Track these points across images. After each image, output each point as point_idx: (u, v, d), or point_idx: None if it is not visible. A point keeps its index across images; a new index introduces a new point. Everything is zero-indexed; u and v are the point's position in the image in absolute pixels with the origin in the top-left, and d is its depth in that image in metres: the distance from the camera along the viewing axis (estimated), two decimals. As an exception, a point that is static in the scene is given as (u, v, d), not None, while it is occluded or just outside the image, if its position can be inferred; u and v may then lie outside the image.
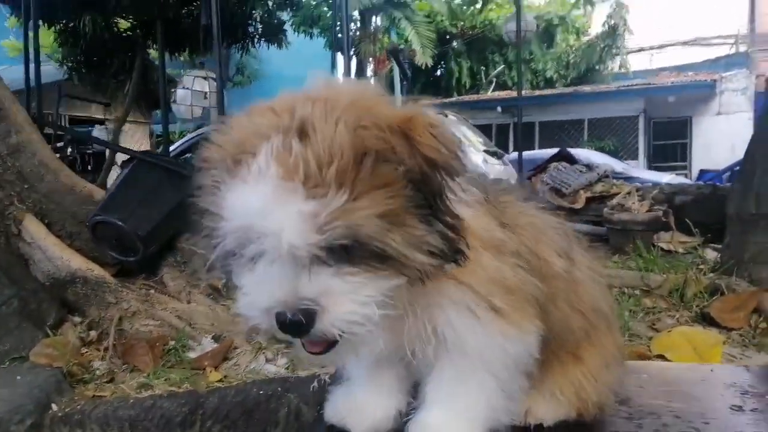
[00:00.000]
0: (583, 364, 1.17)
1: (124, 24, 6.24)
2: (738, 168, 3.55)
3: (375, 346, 0.95)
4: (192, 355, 3.06)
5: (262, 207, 0.80)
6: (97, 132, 11.33)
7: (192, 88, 3.75)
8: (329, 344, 0.89)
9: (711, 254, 3.91)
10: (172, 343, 3.11)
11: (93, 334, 3.29)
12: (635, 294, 3.19)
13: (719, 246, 3.81)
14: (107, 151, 6.64)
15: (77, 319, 3.40)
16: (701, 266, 3.53)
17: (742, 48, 18.81)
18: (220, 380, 2.81)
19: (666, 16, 21.64)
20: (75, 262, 3.52)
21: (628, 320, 2.83)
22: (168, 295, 3.57)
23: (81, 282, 3.45)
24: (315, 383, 2.46)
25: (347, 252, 0.83)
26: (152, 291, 3.58)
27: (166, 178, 3.68)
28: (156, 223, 3.56)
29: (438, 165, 0.88)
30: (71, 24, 6.11)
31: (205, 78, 3.79)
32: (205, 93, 3.70)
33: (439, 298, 0.98)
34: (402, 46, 16.31)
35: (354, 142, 0.82)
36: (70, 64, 6.72)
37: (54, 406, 2.51)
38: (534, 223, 1.14)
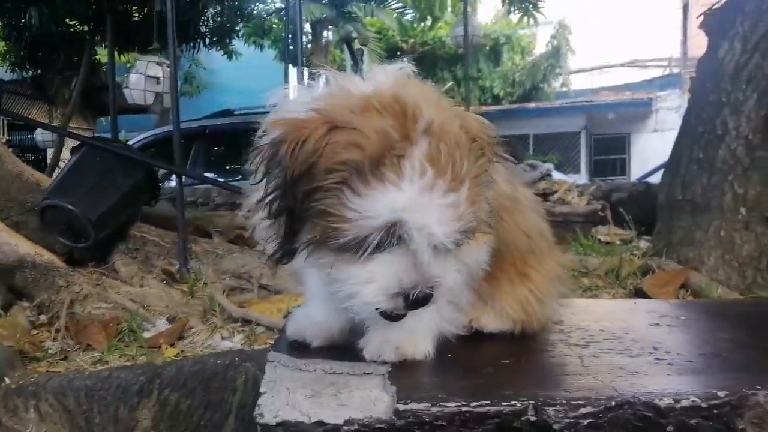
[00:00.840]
0: (530, 281, 1.31)
1: (71, 18, 6.15)
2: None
3: None
4: (146, 335, 3.06)
5: (416, 203, 0.92)
6: (40, 135, 10.96)
7: (145, 74, 3.75)
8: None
9: (644, 244, 4.18)
10: (126, 323, 3.09)
11: (43, 317, 3.24)
12: (575, 275, 3.40)
13: (650, 238, 4.09)
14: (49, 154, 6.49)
15: (26, 303, 3.34)
16: (635, 252, 3.78)
17: (675, 70, 19.97)
18: (177, 355, 2.82)
19: (606, 39, 22.76)
20: (23, 247, 3.45)
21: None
22: (120, 280, 3.54)
23: (29, 267, 3.39)
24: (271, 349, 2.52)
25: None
26: (104, 276, 3.54)
27: (117, 164, 3.67)
28: (107, 209, 3.54)
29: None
30: (15, 18, 5.98)
31: (158, 64, 3.80)
32: (159, 78, 3.71)
33: None
34: (355, 35, 16.43)
35: (467, 141, 1.00)
36: (13, 60, 6.56)
37: (7, 380, 2.47)
38: None
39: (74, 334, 3.06)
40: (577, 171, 17.19)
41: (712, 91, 3.32)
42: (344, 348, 1.21)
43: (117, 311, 3.30)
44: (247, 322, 3.06)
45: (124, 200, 3.63)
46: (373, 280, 0.97)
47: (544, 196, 5.13)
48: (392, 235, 0.94)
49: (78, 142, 3.84)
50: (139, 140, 7.77)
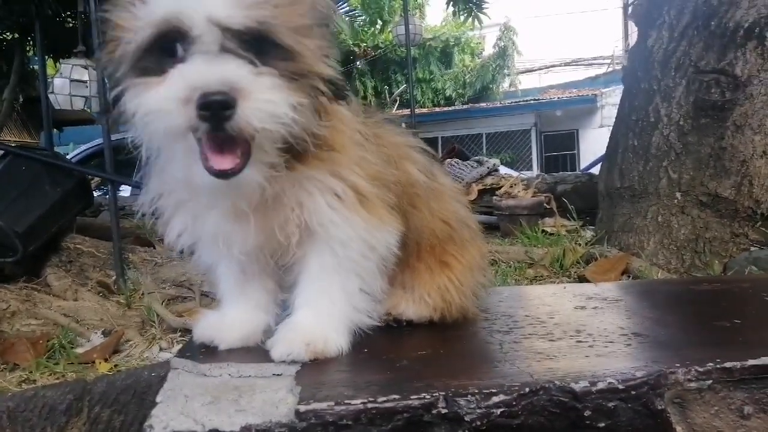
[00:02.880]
0: (449, 269, 1.28)
1: (-1, 24, 5.85)
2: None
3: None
4: (80, 350, 2.91)
5: None
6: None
7: (70, 78, 3.57)
8: (240, 162, 0.93)
9: (589, 234, 4.23)
10: (58, 339, 2.93)
11: (-35, 337, 3.04)
12: (520, 266, 3.41)
13: (594, 227, 4.15)
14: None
15: (-53, 322, 3.13)
16: (579, 242, 3.82)
17: (618, 66, 20.55)
18: (110, 370, 2.68)
19: (550, 39, 23.26)
20: (-56, 263, 3.25)
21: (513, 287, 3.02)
22: (53, 294, 3.36)
23: (-50, 284, 3.20)
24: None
25: (263, 53, 0.91)
26: (35, 292, 3.35)
27: (45, 174, 3.47)
28: (35, 220, 3.35)
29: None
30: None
31: (84, 67, 3.62)
32: (86, 82, 3.54)
33: (308, 184, 1.05)
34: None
35: None
36: (-63, 69, 6.20)
37: None
38: (397, 142, 1.26)
39: (0, 353, 2.88)
40: (529, 168, 17.48)
41: (643, 79, 3.38)
42: (260, 349, 1.14)
43: (48, 327, 3.12)
44: (187, 331, 2.94)
45: (54, 211, 3.45)
46: (162, 90, 0.90)
47: (492, 190, 5.16)
48: (176, 34, 0.89)
49: (3, 152, 3.63)
50: (83, 150, 7.48)
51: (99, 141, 7.89)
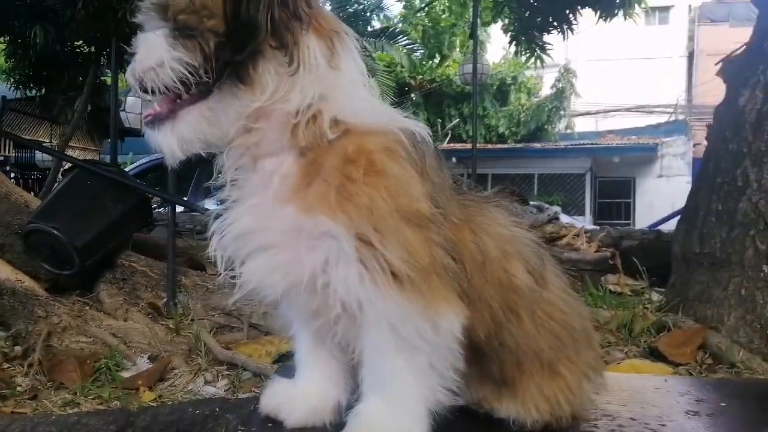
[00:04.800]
0: (561, 378, 1.13)
1: (77, 39, 6.08)
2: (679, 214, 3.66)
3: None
4: (125, 374, 2.86)
5: None
6: (39, 154, 10.86)
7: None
8: (158, 110, 1.02)
9: (656, 296, 3.99)
10: (105, 361, 2.89)
11: (18, 349, 3.04)
12: (590, 312, 3.20)
13: (662, 289, 3.90)
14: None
15: (1, 333, 3.14)
16: (648, 305, 3.58)
17: (681, 116, 20.03)
18: (154, 400, 2.61)
19: (611, 84, 22.91)
20: (3, 272, 3.28)
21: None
22: (104, 312, 3.35)
23: (8, 293, 3.21)
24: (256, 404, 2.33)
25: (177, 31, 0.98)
26: (87, 307, 3.35)
27: (109, 190, 3.51)
28: (94, 236, 3.37)
29: None
30: (21, 36, 5.91)
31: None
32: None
33: (319, 236, 0.95)
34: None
35: None
36: (17, 77, 6.48)
37: (-36, 421, 2.26)
38: (503, 234, 1.13)
39: (48, 370, 2.85)
40: (581, 213, 17.04)
41: (731, 140, 3.18)
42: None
43: (96, 346, 3.10)
44: (233, 365, 2.86)
45: (113, 227, 3.46)
46: None
47: (551, 240, 4.96)
48: None
49: (71, 164, 3.69)
50: (140, 165, 7.65)
51: (155, 156, 8.09)
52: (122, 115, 3.60)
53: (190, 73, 0.97)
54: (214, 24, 0.96)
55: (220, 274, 1.05)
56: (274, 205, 0.99)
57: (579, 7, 6.12)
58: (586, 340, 1.18)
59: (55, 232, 3.20)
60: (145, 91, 1.02)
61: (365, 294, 0.93)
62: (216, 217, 1.06)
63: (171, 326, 3.21)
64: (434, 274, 0.96)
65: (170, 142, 1.02)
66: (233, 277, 1.05)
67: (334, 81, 1.01)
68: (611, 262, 4.31)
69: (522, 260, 1.11)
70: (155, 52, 0.99)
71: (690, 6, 24.16)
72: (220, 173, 1.07)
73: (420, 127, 1.05)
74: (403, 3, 19.54)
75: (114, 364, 2.88)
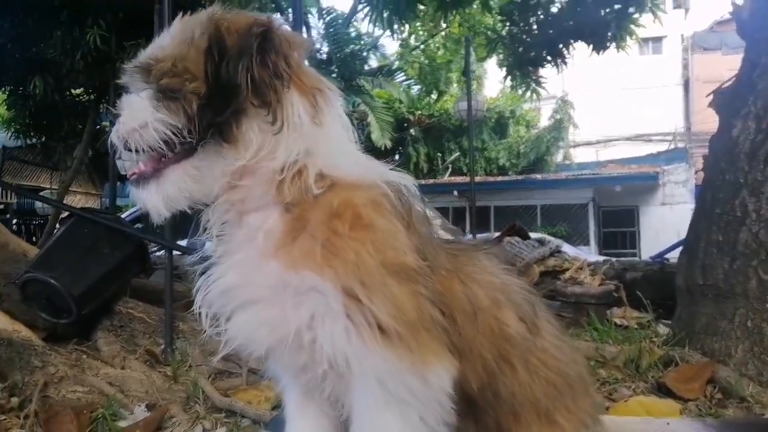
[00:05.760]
0: (559, 428, 1.11)
1: (76, 87, 6.18)
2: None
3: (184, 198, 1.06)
4: (123, 424, 2.80)
5: None
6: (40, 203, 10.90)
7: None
8: (143, 169, 1.06)
9: (663, 329, 3.93)
10: (102, 410, 2.84)
11: (14, 400, 2.98)
12: (591, 365, 3.14)
13: (669, 322, 3.84)
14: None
15: (-1, 384, 3.09)
16: (654, 339, 3.52)
17: (680, 144, 20.11)
18: (150, 452, 2.55)
19: (609, 114, 23.12)
20: (0, 322, 3.25)
21: (584, 390, 2.76)
22: (101, 360, 3.31)
23: (5, 344, 3.18)
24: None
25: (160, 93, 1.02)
26: (84, 356, 3.31)
27: (106, 237, 3.50)
28: (92, 283, 3.35)
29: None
30: (21, 87, 6.01)
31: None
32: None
33: (305, 291, 0.94)
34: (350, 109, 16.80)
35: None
36: (17, 127, 6.56)
37: (-45, 480, 2.21)
38: (493, 283, 1.12)
39: (44, 421, 2.80)
40: (586, 243, 16.96)
41: (727, 170, 3.17)
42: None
43: (94, 395, 3.05)
44: (231, 412, 2.80)
45: (110, 274, 3.45)
46: None
47: (554, 273, 4.91)
48: None
49: (68, 212, 3.71)
50: (137, 209, 7.65)
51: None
52: (119, 163, 3.62)
53: (173, 133, 0.98)
54: (195, 86, 0.98)
55: (205, 331, 1.04)
56: (260, 260, 0.98)
57: (571, 41, 6.22)
58: (582, 387, 1.15)
59: (52, 281, 3.19)
60: (130, 151, 1.03)
61: (352, 350, 0.92)
62: (201, 273, 1.05)
63: (169, 373, 3.16)
64: (422, 328, 0.95)
65: (155, 201, 1.02)
66: (218, 334, 1.03)
67: (319, 137, 1.02)
68: (616, 295, 4.26)
69: (513, 308, 1.10)
70: (139, 114, 1.02)
71: (683, 35, 24.53)
72: (206, 229, 1.06)
73: (406, 179, 1.05)
74: (399, 42, 19.91)
75: (111, 414, 2.82)
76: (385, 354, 0.92)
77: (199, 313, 1.05)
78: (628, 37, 6.18)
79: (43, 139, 6.67)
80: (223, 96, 0.95)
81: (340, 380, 0.97)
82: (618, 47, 6.17)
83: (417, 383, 0.93)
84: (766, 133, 3.03)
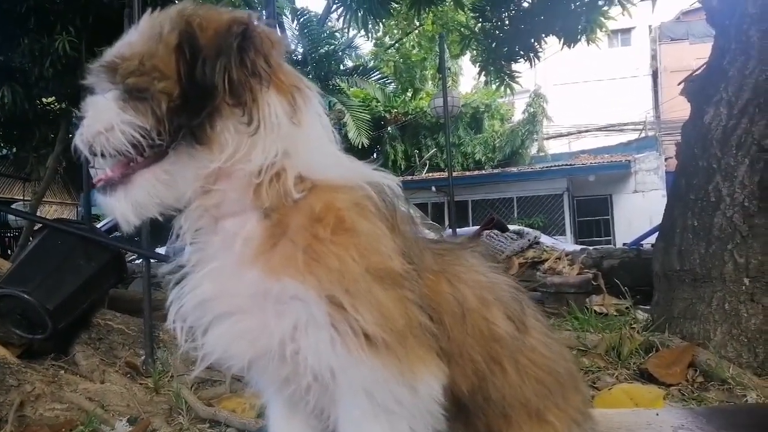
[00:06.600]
0: (550, 427, 1.10)
1: (47, 96, 6.04)
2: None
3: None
4: (103, 440, 2.74)
5: None
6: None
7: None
8: (115, 178, 0.99)
9: (641, 315, 3.97)
10: (81, 428, 2.77)
11: (-11, 422, 2.91)
12: (573, 354, 3.16)
13: (647, 307, 3.89)
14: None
15: (-29, 405, 3.00)
16: (634, 325, 3.56)
17: (651, 132, 20.44)
18: (134, 466, 2.50)
19: (581, 106, 23.39)
20: (-28, 341, 3.16)
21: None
22: (79, 375, 3.23)
23: (-22, 364, 3.08)
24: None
25: (127, 94, 0.96)
26: (62, 371, 3.22)
27: (80, 248, 3.41)
28: (67, 296, 3.26)
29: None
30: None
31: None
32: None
33: (286, 300, 0.91)
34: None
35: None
36: (-14, 138, 6.39)
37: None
38: (480, 282, 1.10)
39: (20, 442, 2.73)
40: (562, 233, 17.16)
41: (701, 157, 3.21)
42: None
43: (72, 412, 2.97)
44: (216, 422, 2.75)
45: (86, 286, 3.36)
46: None
47: (534, 264, 4.95)
48: None
49: (41, 224, 3.61)
50: (111, 220, 7.52)
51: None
52: (92, 171, 3.53)
53: (142, 136, 0.93)
54: (165, 86, 0.93)
55: (181, 347, 0.99)
56: (238, 268, 0.94)
57: (543, 36, 6.26)
58: (572, 383, 1.14)
59: (25, 296, 3.09)
60: (96, 155, 0.98)
61: (337, 361, 0.89)
62: (174, 285, 1.01)
63: (150, 385, 3.10)
64: (410, 335, 0.92)
65: (123, 208, 0.98)
66: (196, 349, 0.99)
67: (298, 137, 0.97)
68: (594, 283, 4.30)
69: (502, 307, 1.08)
70: (104, 116, 0.96)
71: (650, 26, 24.91)
72: (178, 236, 1.02)
73: (389, 179, 1.01)
74: (374, 41, 19.88)
75: (91, 431, 2.76)
76: (372, 364, 0.89)
77: (174, 328, 1.00)
78: (598, 30, 6.24)
79: (14, 149, 6.50)
80: (198, 97, 0.91)
81: (325, 392, 0.94)
82: (588, 40, 6.22)
83: (406, 393, 0.91)
84: (738, 118, 3.07)
